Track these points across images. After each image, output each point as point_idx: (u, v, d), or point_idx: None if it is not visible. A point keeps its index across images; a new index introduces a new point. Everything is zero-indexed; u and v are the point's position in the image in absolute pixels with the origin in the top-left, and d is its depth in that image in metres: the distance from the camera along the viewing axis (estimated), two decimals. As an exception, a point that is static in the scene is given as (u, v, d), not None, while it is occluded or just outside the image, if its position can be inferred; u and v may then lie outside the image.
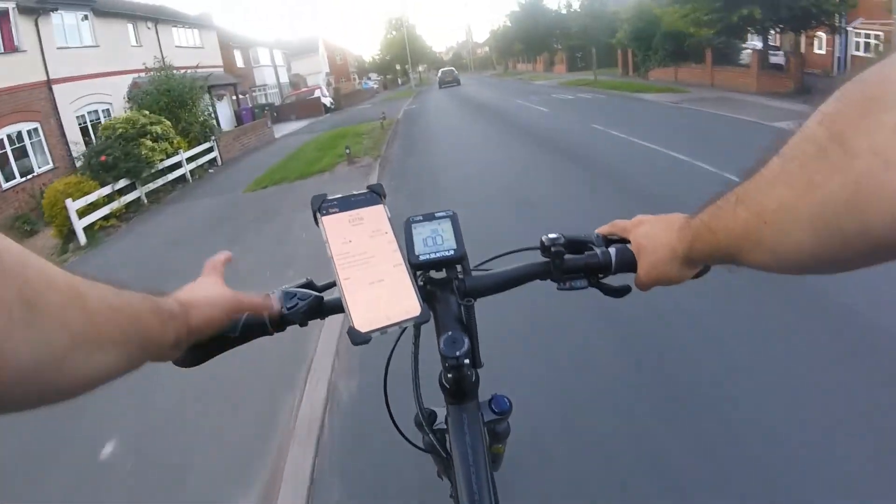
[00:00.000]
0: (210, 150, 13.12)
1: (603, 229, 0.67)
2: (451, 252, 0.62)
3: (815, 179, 0.29)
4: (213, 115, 14.15)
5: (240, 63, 26.38)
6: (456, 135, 11.69)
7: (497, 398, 0.70)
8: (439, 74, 38.04)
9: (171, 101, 12.14)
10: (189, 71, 13.54)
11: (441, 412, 0.66)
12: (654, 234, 0.58)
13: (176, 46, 17.22)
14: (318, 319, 0.63)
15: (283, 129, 20.05)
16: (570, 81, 22.20)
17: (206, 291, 0.54)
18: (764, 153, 0.35)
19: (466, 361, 0.56)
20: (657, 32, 17.70)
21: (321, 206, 0.55)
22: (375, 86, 46.35)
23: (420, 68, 63.48)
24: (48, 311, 0.30)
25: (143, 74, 12.81)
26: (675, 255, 0.54)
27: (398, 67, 53.09)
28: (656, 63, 18.09)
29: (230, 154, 14.12)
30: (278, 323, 0.60)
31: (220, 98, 18.72)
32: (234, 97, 21.40)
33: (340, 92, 31.69)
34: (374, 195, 0.57)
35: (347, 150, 9.71)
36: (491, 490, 0.55)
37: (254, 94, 27.59)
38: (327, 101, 27.47)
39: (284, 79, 33.32)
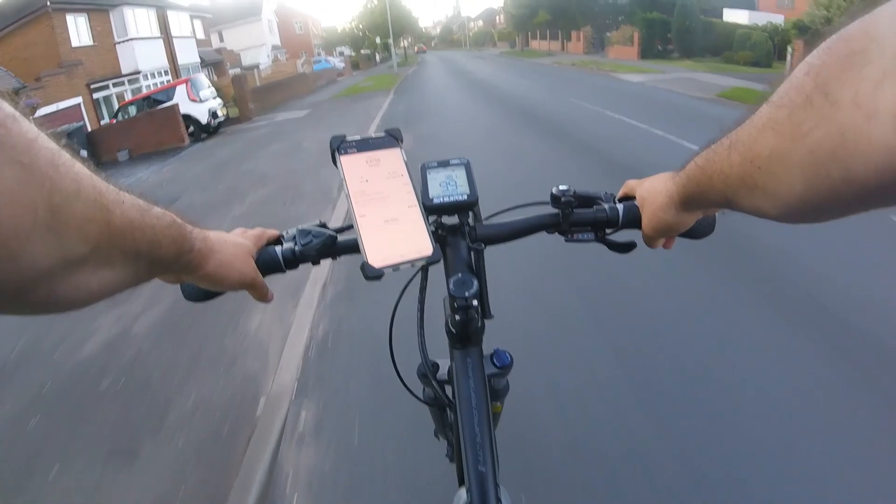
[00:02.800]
0: None
1: (619, 192, 0.68)
2: (465, 196, 0.62)
3: (802, 128, 0.30)
4: None
5: (76, 40, 13.93)
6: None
7: (499, 352, 0.69)
8: (416, 48, 55.41)
9: None
10: None
11: (444, 363, 0.67)
12: (653, 184, 0.59)
13: None
14: (330, 260, 0.64)
15: None
16: (730, 92, 10.45)
17: (234, 251, 0.54)
18: (756, 101, 0.36)
19: (475, 303, 0.56)
20: None
21: (340, 145, 0.54)
22: (341, 65, 32.55)
23: (404, 43, 51.17)
24: (71, 221, 0.28)
25: None
26: (672, 200, 0.55)
27: (378, 41, 40.69)
28: None
29: None
30: (291, 260, 0.61)
31: None
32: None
33: (247, 86, 15.05)
34: (392, 138, 0.57)
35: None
36: (491, 433, 0.55)
37: (105, 93, 15.15)
38: (204, 110, 12.32)
39: (192, 58, 20.53)
